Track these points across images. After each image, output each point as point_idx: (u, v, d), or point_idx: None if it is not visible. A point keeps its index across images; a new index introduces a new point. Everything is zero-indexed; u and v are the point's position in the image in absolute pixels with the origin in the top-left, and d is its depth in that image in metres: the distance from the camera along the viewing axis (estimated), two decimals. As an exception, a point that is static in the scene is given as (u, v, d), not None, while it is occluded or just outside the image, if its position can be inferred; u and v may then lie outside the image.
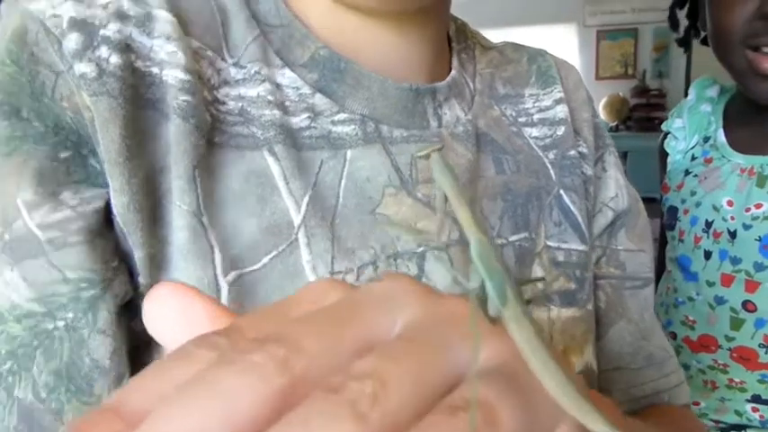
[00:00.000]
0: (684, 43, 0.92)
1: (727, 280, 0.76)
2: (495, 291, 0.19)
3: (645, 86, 5.64)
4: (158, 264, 0.31)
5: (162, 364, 0.16)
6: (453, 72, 0.42)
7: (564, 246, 0.42)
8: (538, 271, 0.40)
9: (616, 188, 0.47)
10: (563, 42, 6.06)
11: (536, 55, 0.49)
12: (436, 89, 0.40)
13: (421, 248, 0.36)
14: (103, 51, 0.30)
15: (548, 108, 0.46)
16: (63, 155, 0.30)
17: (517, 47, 0.50)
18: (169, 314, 0.18)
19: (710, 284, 0.78)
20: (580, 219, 0.43)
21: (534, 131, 0.45)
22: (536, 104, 0.46)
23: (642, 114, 5.47)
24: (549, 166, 0.44)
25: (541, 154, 0.44)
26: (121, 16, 0.31)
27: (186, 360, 0.16)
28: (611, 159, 0.49)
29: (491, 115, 0.43)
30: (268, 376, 0.14)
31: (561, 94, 0.46)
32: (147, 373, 0.16)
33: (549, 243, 0.42)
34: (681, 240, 0.83)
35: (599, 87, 5.84)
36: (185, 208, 0.31)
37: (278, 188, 0.33)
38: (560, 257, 0.42)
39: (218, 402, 0.13)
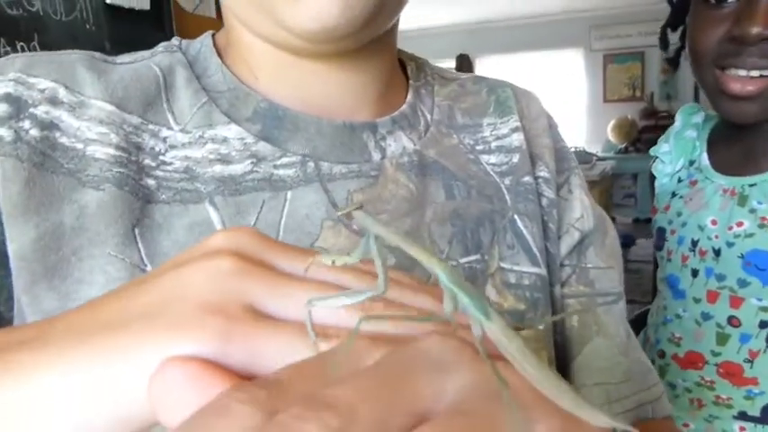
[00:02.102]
0: (674, 63, 0.96)
1: (712, 296, 0.79)
2: (479, 308, 0.19)
3: (653, 108, 5.67)
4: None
5: (201, 419, 0.16)
6: (404, 106, 0.46)
7: (516, 268, 0.44)
8: (490, 291, 0.43)
9: (582, 209, 0.50)
10: (570, 66, 6.13)
11: (496, 87, 0.52)
12: (377, 124, 0.43)
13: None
14: (26, 124, 0.36)
15: (504, 136, 0.48)
16: None
17: (478, 79, 0.53)
18: (182, 398, 0.17)
19: (697, 301, 0.80)
20: (532, 242, 0.46)
21: (492, 158, 0.47)
22: (493, 133, 0.49)
23: (651, 135, 5.49)
24: (505, 191, 0.46)
25: (498, 180, 0.47)
26: (54, 101, 0.37)
27: (227, 417, 0.15)
28: (577, 181, 0.51)
29: (447, 144, 0.46)
30: None
31: (518, 123, 0.49)
32: (186, 426, 0.16)
33: (503, 265, 0.44)
34: (669, 260, 0.86)
35: (607, 110, 5.89)
36: (127, 261, 0.35)
37: None
38: (512, 279, 0.44)
39: None
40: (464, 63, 6.29)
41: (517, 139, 0.48)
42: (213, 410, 0.16)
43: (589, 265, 0.50)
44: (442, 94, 0.49)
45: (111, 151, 0.37)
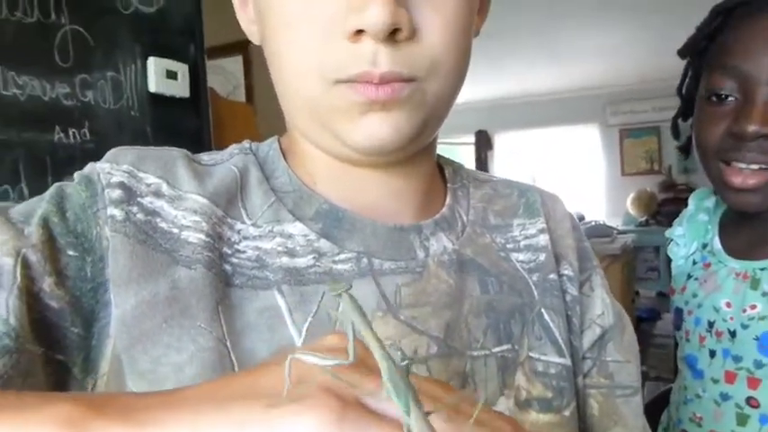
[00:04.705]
0: (685, 150, 1.01)
1: (730, 377, 0.81)
2: (401, 403, 0.25)
3: (672, 181, 5.69)
4: (150, 379, 0.38)
5: None
6: (444, 209, 0.51)
7: (543, 358, 0.49)
8: (520, 378, 0.47)
9: (602, 306, 0.54)
10: (587, 141, 6.24)
11: (525, 191, 0.57)
12: (422, 226, 0.48)
13: (405, 362, 0.44)
14: (134, 209, 0.43)
15: (532, 236, 0.53)
16: (71, 252, 0.40)
17: (508, 183, 0.58)
18: None
19: (715, 381, 0.83)
20: (558, 334, 0.50)
21: (521, 256, 0.52)
22: (522, 233, 0.53)
23: (671, 208, 5.48)
24: (533, 287, 0.51)
25: (526, 276, 0.51)
26: (157, 194, 0.44)
27: None
28: (598, 280, 0.56)
29: (481, 243, 0.51)
30: None
31: (544, 225, 0.54)
32: None
33: (531, 354, 0.48)
34: (687, 340, 0.89)
35: (625, 183, 5.93)
36: (213, 334, 0.40)
37: (284, 319, 0.42)
38: (540, 368, 0.48)
39: None
40: (483, 138, 6.44)
41: (543, 239, 0.53)
42: None
43: (609, 359, 0.54)
44: (477, 196, 0.55)
45: (203, 237, 0.43)
